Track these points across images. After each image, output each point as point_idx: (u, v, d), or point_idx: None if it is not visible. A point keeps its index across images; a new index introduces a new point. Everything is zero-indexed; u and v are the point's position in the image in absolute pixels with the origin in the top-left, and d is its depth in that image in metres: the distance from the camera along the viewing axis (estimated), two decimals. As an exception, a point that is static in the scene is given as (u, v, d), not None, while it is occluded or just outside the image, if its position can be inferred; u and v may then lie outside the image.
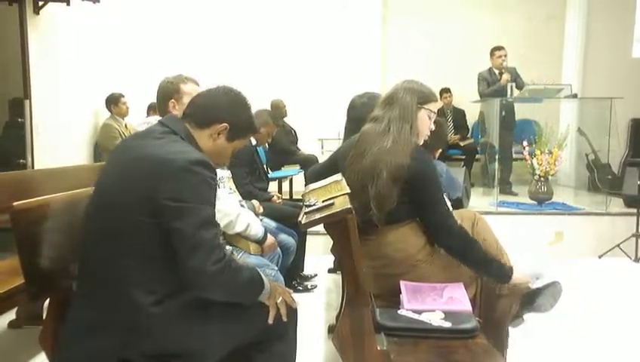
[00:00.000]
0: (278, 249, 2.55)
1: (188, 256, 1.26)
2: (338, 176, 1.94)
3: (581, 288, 3.53)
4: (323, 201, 1.62)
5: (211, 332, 1.38)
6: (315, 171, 2.49)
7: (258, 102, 5.26)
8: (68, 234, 1.56)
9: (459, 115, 6.74)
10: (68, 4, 4.05)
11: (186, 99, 2.17)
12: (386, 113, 1.92)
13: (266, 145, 4.31)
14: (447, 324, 1.59)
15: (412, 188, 1.81)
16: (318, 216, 1.52)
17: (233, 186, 2.50)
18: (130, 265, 1.31)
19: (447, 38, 6.87)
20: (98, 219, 1.38)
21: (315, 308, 3.13)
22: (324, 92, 6.13)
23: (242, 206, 2.44)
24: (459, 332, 1.58)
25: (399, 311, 1.67)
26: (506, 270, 1.80)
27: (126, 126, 4.92)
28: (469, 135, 6.72)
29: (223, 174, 2.32)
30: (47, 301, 1.60)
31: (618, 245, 4.25)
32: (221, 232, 1.97)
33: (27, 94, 3.82)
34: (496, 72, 5.41)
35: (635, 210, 4.26)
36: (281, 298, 1.49)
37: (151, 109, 5.06)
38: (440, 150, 2.84)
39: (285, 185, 5.50)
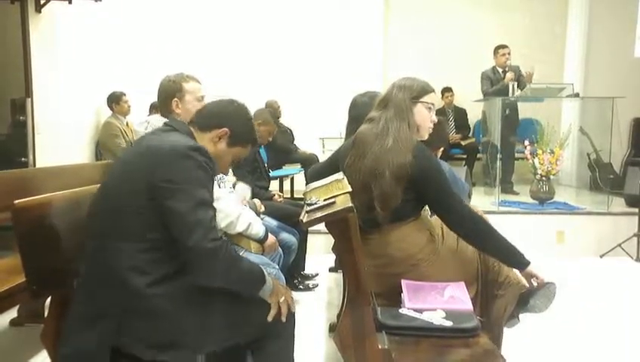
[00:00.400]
0: (279, 248, 2.55)
1: (186, 236, 1.30)
2: (339, 175, 1.94)
3: (582, 288, 3.53)
4: (324, 200, 1.61)
5: (209, 323, 1.40)
6: (316, 170, 2.49)
7: (258, 102, 5.29)
8: (69, 233, 1.56)
9: (460, 114, 6.73)
10: (70, 2, 4.06)
11: (189, 98, 2.18)
12: (382, 114, 1.92)
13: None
14: (449, 323, 1.58)
15: (419, 185, 1.80)
16: (319, 214, 1.52)
17: (235, 182, 2.50)
18: (124, 249, 1.35)
19: (449, 38, 6.86)
20: (100, 209, 1.43)
21: (316, 307, 3.13)
22: (325, 91, 6.13)
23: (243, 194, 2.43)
24: (460, 331, 1.57)
25: (400, 310, 1.66)
26: (523, 257, 1.79)
27: (127, 124, 4.93)
28: (470, 134, 6.71)
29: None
30: (49, 299, 1.60)
31: (620, 245, 4.25)
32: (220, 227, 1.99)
33: (29, 93, 3.83)
34: (500, 70, 5.40)
35: (636, 210, 4.26)
36: (283, 298, 1.50)
37: (153, 108, 5.07)
38: (441, 149, 2.84)
39: (286, 185, 5.50)
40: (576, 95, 5.22)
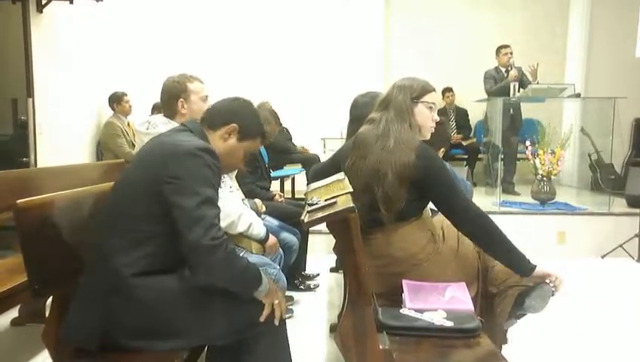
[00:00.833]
0: (280, 249, 2.55)
1: (187, 230, 1.33)
2: (340, 175, 1.94)
3: (584, 288, 3.53)
4: (325, 200, 1.61)
5: (194, 316, 1.42)
6: (317, 170, 2.49)
7: (259, 102, 5.28)
8: (71, 232, 1.57)
9: (461, 115, 6.73)
10: (71, 2, 4.06)
11: (194, 98, 2.20)
12: (382, 115, 1.92)
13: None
14: (450, 324, 1.58)
15: (423, 185, 1.80)
16: (320, 214, 1.52)
17: (235, 184, 2.50)
18: (119, 242, 1.40)
19: (450, 38, 6.86)
20: (110, 205, 1.50)
21: (317, 307, 3.13)
22: (326, 91, 6.13)
23: (245, 204, 2.44)
24: (461, 331, 1.57)
25: (401, 310, 1.66)
26: (529, 263, 1.76)
27: (129, 124, 4.93)
28: (471, 134, 6.71)
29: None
30: (50, 299, 1.61)
31: (621, 245, 4.24)
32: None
33: (30, 93, 3.83)
34: (503, 70, 5.41)
35: (638, 210, 4.26)
36: (277, 301, 1.50)
37: (155, 109, 5.06)
38: (443, 149, 2.83)
39: (287, 185, 5.50)
40: (578, 95, 5.22)
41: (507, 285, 1.81)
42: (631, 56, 5.65)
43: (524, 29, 6.79)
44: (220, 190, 2.11)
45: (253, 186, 3.19)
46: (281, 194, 3.60)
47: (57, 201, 1.59)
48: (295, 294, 3.26)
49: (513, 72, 5.20)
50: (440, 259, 1.85)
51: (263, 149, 3.76)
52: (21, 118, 3.91)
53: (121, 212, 1.44)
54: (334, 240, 1.80)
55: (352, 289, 1.56)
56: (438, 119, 2.00)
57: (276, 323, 1.49)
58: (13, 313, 2.76)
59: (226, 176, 2.33)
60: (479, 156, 6.20)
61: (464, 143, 6.44)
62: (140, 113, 4.98)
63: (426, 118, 1.94)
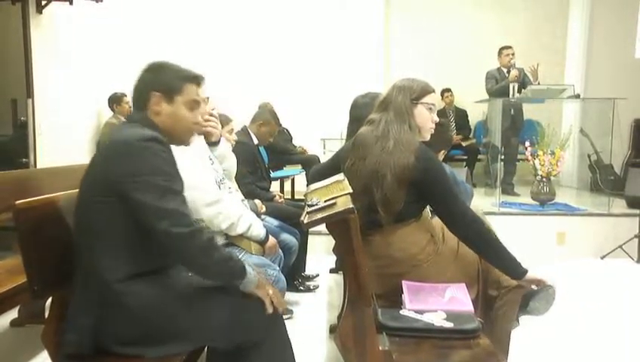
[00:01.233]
0: (280, 250, 2.55)
1: (156, 223, 1.32)
2: (340, 176, 1.94)
3: (583, 289, 3.52)
4: (325, 201, 1.61)
5: (188, 321, 1.41)
6: (317, 171, 2.49)
7: (258, 102, 5.28)
8: (70, 233, 1.56)
9: (461, 115, 6.73)
10: (71, 3, 4.06)
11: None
12: (382, 116, 1.92)
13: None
14: (449, 325, 1.58)
15: (422, 186, 1.80)
16: (320, 215, 1.52)
17: (235, 185, 2.50)
18: (97, 247, 1.38)
19: (450, 38, 6.87)
20: (77, 211, 1.47)
21: (317, 308, 3.13)
22: (326, 92, 6.13)
23: (244, 205, 2.44)
24: (461, 332, 1.57)
25: (401, 311, 1.66)
26: (521, 267, 1.78)
27: (128, 125, 4.93)
28: (471, 135, 6.71)
29: (219, 173, 2.30)
30: (50, 299, 1.61)
31: (620, 246, 4.24)
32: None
33: (30, 93, 3.83)
34: (505, 70, 5.41)
35: (637, 211, 4.25)
36: (272, 291, 1.48)
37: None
38: (443, 151, 2.83)
39: (287, 185, 5.50)
40: (577, 96, 5.22)
41: (509, 288, 1.81)
42: (631, 56, 5.66)
43: (523, 29, 6.80)
44: (220, 191, 2.12)
45: (253, 187, 3.19)
46: (281, 194, 3.60)
47: (57, 202, 1.59)
48: (295, 295, 3.26)
49: (513, 73, 5.20)
50: (440, 260, 1.85)
51: (263, 150, 3.76)
52: (21, 119, 3.91)
53: (88, 218, 1.41)
54: (334, 241, 1.79)
55: (352, 290, 1.56)
56: (437, 120, 2.00)
57: (270, 310, 1.45)
58: (13, 314, 2.75)
59: (225, 178, 2.33)
60: (479, 157, 6.21)
61: (464, 144, 6.43)
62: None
63: (425, 119, 1.94)
